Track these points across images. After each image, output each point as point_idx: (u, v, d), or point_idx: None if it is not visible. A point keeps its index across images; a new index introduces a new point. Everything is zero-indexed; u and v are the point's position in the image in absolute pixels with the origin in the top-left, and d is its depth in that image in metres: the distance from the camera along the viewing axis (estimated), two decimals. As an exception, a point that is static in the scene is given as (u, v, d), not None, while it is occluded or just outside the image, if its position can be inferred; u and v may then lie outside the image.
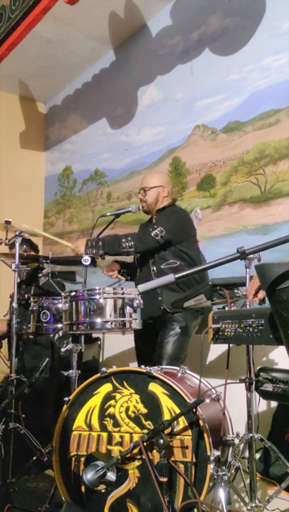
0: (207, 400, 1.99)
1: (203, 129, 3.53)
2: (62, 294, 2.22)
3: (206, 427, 1.72)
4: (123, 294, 2.13)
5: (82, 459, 1.92)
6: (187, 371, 2.11)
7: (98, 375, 1.95)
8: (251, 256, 1.82)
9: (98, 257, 2.63)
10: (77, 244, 2.69)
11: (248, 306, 1.87)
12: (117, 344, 3.74)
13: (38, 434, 2.43)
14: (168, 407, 1.79)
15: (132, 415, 1.86)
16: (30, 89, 5.23)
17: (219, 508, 1.69)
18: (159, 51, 3.96)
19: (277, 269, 1.24)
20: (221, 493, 1.71)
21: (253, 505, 1.79)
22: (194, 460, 1.71)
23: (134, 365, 2.74)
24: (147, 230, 2.66)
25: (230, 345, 1.91)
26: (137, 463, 1.80)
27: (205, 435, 1.71)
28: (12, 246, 3.05)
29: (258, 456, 2.37)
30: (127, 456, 1.76)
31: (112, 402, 1.91)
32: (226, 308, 1.88)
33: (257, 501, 1.80)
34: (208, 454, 1.69)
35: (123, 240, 2.57)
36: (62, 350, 2.33)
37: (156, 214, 2.83)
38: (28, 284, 3.34)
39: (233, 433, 2.02)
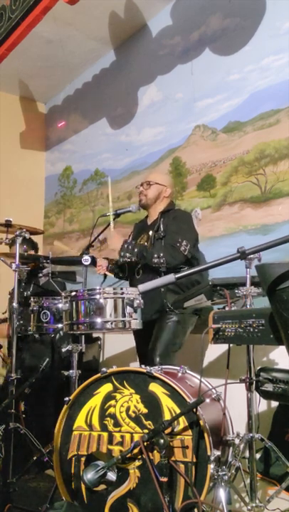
0: (207, 400, 1.99)
1: (204, 129, 3.54)
2: (63, 294, 2.22)
3: (206, 426, 1.72)
4: (123, 294, 2.13)
5: (83, 459, 1.92)
6: (187, 371, 2.11)
7: (98, 375, 1.95)
8: (251, 256, 1.82)
9: (126, 261, 2.67)
10: (114, 239, 2.75)
11: (248, 306, 1.88)
12: (118, 344, 3.74)
13: (38, 434, 2.43)
14: (168, 406, 1.79)
15: (133, 415, 1.86)
16: (30, 89, 5.23)
17: (219, 508, 1.69)
18: (159, 51, 3.96)
19: (277, 269, 1.24)
20: (222, 493, 1.71)
21: (254, 505, 1.79)
22: (195, 460, 1.71)
23: (134, 365, 2.74)
24: (171, 241, 2.64)
25: (231, 345, 1.91)
26: (137, 463, 1.80)
27: (205, 435, 1.71)
28: (12, 245, 3.06)
29: (258, 456, 2.37)
30: (128, 456, 1.76)
31: (113, 402, 1.91)
32: (227, 308, 1.88)
33: (257, 501, 1.80)
34: (209, 453, 1.69)
35: (155, 256, 2.59)
36: (63, 350, 2.34)
37: (161, 216, 2.81)
38: (27, 283, 3.34)
39: (233, 433, 2.02)
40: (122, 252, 2.66)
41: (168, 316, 2.65)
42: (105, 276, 2.83)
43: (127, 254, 2.64)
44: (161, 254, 2.58)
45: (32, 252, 3.60)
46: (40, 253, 3.86)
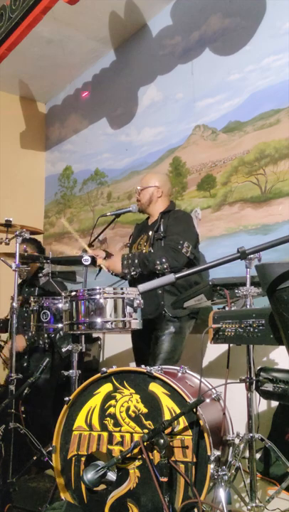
0: (207, 400, 1.99)
1: (204, 129, 3.53)
2: (63, 293, 2.22)
3: (206, 426, 1.72)
4: (123, 293, 2.13)
5: (83, 459, 1.92)
6: (187, 371, 2.11)
7: (98, 375, 1.95)
8: (251, 256, 1.82)
9: (132, 275, 2.62)
10: (112, 262, 2.68)
11: (248, 306, 1.88)
12: (118, 344, 3.74)
13: (38, 434, 2.43)
14: (168, 406, 1.80)
15: (133, 415, 1.86)
16: (30, 89, 5.22)
17: (219, 508, 1.69)
18: (159, 51, 3.96)
19: (277, 269, 1.24)
20: (222, 493, 1.71)
21: (254, 505, 1.79)
22: (195, 460, 1.71)
23: (134, 365, 2.74)
24: (172, 243, 2.62)
25: (231, 345, 1.91)
26: (137, 463, 1.80)
27: (205, 435, 1.71)
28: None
29: (258, 456, 2.37)
30: (128, 455, 1.76)
31: (113, 402, 1.91)
32: (227, 308, 1.88)
33: (257, 501, 1.80)
34: (209, 453, 1.69)
35: (157, 262, 2.55)
36: (63, 350, 2.34)
37: (162, 216, 2.81)
38: (29, 285, 3.34)
39: (233, 433, 2.02)
40: (124, 269, 2.61)
41: (165, 327, 2.63)
42: (100, 268, 2.81)
43: (132, 269, 2.59)
44: (164, 260, 2.54)
45: (35, 253, 3.59)
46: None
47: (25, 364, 3.07)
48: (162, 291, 2.62)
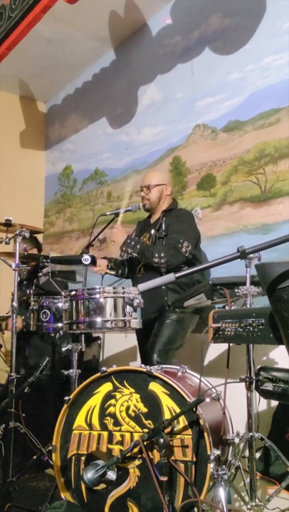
0: (207, 399, 1.99)
1: (204, 128, 3.53)
2: (63, 293, 2.22)
3: (206, 426, 1.73)
4: (123, 293, 2.13)
5: (83, 458, 1.92)
6: (187, 370, 2.11)
7: (98, 374, 1.95)
8: (251, 255, 1.82)
9: (128, 256, 2.69)
10: (117, 231, 2.75)
11: (248, 306, 1.88)
12: (118, 343, 3.75)
13: (38, 433, 2.43)
14: (168, 406, 1.80)
15: (133, 414, 1.86)
16: (30, 89, 5.22)
17: (219, 507, 1.69)
18: (159, 50, 3.95)
19: (277, 268, 1.25)
20: (221, 493, 1.71)
21: (253, 504, 1.79)
22: (194, 459, 1.71)
23: (134, 365, 2.75)
24: (172, 241, 2.64)
25: (231, 344, 1.91)
26: (137, 462, 1.80)
27: (205, 434, 1.71)
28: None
29: (258, 455, 2.37)
30: (128, 455, 1.76)
31: (113, 401, 1.91)
32: (227, 308, 1.89)
33: (257, 500, 1.80)
34: (209, 453, 1.69)
35: (156, 255, 2.59)
36: (63, 349, 2.34)
37: (164, 215, 2.81)
38: (28, 282, 3.33)
39: (233, 432, 2.02)
40: (124, 246, 2.67)
41: (168, 315, 2.66)
42: (119, 279, 2.85)
43: (129, 250, 2.65)
44: (162, 255, 2.58)
45: (35, 251, 3.59)
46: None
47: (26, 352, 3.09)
48: (166, 289, 2.63)
